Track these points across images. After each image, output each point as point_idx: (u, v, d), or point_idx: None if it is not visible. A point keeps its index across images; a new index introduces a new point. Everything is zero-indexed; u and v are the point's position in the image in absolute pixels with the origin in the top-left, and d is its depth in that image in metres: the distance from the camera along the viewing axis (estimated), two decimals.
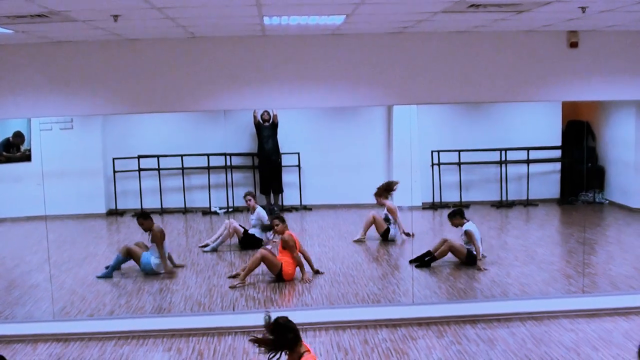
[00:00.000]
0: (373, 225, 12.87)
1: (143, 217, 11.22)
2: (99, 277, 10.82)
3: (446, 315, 8.96)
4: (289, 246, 10.59)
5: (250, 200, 12.84)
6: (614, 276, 10.38)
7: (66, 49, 8.57)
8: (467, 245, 11.05)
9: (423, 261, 11.02)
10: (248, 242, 12.44)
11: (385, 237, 12.73)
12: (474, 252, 10.95)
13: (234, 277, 10.59)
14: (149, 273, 10.95)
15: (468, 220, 11.17)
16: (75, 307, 9.72)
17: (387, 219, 12.79)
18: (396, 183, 12.82)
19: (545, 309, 9.05)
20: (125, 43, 8.58)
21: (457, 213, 11.27)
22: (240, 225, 12.62)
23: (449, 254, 11.09)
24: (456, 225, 11.24)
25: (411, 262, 11.15)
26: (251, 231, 12.59)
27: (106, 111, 9.39)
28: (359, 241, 12.75)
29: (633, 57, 9.06)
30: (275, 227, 10.87)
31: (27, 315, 9.48)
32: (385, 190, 12.79)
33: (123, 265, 11.18)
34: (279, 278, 10.49)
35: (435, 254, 11.04)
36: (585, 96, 9.53)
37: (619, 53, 9.01)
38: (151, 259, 10.97)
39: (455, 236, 11.31)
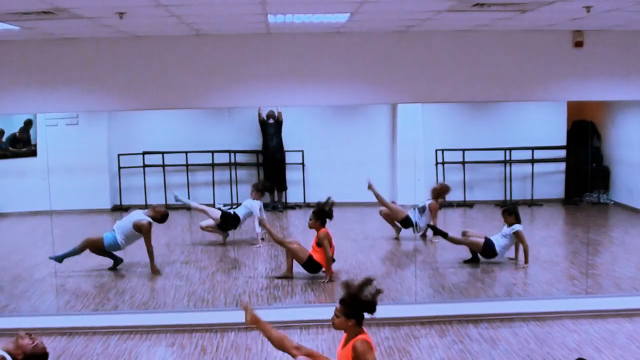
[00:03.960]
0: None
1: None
2: (50, 258, 10.78)
3: (449, 314, 8.97)
4: (322, 244, 10.57)
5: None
6: (618, 277, 10.38)
7: (72, 45, 8.59)
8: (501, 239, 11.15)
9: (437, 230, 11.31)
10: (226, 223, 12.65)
11: (407, 225, 12.65)
12: (495, 248, 11.04)
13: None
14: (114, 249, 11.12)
15: (520, 223, 11.21)
16: (80, 301, 9.77)
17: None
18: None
19: (548, 309, 9.05)
20: (131, 40, 8.61)
21: (513, 212, 11.33)
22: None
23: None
24: (508, 224, 11.25)
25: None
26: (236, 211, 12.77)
27: (111, 107, 9.45)
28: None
29: (638, 57, 9.04)
30: (309, 222, 10.90)
31: (32, 308, 9.53)
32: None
33: (129, 261, 11.24)
34: (310, 268, 10.57)
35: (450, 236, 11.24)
36: (590, 96, 9.54)
37: (624, 53, 9.00)
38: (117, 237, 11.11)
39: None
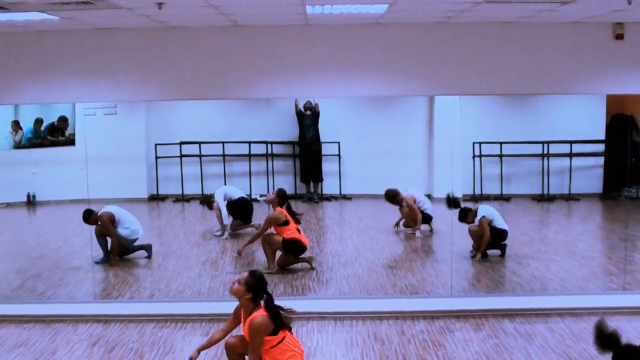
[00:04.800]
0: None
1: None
2: (97, 263, 10.92)
3: (484, 308, 8.90)
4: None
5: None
6: None
7: (110, 35, 8.63)
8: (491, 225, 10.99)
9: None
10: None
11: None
12: (499, 227, 10.95)
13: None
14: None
15: (477, 207, 11.17)
16: (116, 289, 9.85)
17: None
18: None
19: (584, 305, 8.95)
20: (169, 30, 8.63)
21: (463, 215, 11.22)
22: None
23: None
24: (470, 223, 11.14)
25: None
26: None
27: (149, 97, 9.49)
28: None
29: None
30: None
31: (69, 296, 9.62)
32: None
33: (165, 250, 11.34)
34: (288, 249, 10.51)
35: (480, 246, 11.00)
36: (630, 89, 9.39)
37: None
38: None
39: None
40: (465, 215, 11.09)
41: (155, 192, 15.32)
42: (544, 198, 14.21)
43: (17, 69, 8.73)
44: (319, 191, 15.47)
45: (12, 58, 8.71)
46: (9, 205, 14.47)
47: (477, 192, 15.04)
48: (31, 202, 14.72)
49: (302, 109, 15.11)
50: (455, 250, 10.63)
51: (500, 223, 10.98)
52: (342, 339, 8.05)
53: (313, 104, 15.12)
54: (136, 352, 7.78)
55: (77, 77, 8.72)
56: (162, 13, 7.24)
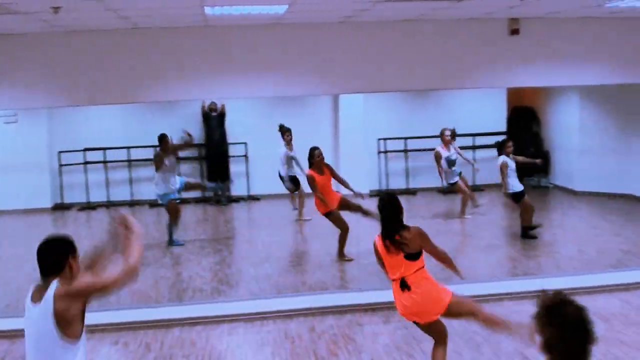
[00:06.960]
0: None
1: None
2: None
3: (391, 300, 8.96)
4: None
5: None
6: (559, 259, 10.55)
7: (10, 41, 8.42)
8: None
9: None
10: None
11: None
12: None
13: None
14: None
15: (505, 155, 11.71)
16: (21, 303, 9.57)
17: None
18: None
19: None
20: (70, 35, 8.46)
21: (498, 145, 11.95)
22: None
23: None
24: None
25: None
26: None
27: (49, 104, 9.33)
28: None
29: (573, 43, 9.23)
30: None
31: None
32: None
33: None
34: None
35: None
36: (527, 82, 9.74)
37: (559, 39, 9.16)
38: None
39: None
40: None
41: (60, 201, 15.06)
42: (449, 190, 14.40)
43: None
44: (227, 191, 15.45)
45: None
46: None
47: (384, 186, 15.26)
48: None
49: (208, 110, 15.07)
50: (357, 249, 10.72)
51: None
52: (252, 340, 8.04)
53: (219, 105, 15.09)
54: None
55: None
56: (59, 17, 7.12)
